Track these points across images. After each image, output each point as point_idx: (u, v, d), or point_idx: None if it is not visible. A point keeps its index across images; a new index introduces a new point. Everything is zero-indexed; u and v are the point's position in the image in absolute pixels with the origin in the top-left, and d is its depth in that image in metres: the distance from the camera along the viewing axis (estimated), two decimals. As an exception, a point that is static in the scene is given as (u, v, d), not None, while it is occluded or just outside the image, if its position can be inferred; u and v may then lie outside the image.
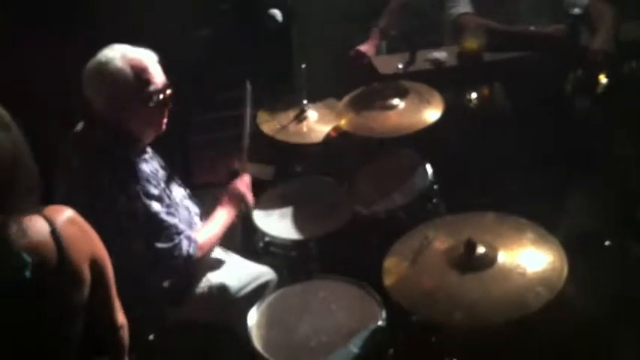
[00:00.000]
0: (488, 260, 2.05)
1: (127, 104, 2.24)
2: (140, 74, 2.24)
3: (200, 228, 2.45)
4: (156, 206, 2.24)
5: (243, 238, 2.74)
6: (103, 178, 2.20)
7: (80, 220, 1.57)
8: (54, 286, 1.47)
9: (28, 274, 1.40)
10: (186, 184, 2.62)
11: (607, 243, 2.87)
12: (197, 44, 3.59)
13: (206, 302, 2.46)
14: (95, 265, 1.57)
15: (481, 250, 2.07)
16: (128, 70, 2.22)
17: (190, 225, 2.45)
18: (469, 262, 2.05)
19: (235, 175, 2.67)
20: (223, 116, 3.73)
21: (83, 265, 1.53)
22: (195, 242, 2.32)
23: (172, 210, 2.32)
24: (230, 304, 2.47)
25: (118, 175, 2.22)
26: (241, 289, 2.50)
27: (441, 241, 2.19)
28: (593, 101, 3.32)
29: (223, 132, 3.65)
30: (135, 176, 2.24)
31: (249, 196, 2.64)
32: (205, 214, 2.56)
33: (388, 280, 2.10)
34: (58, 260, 1.46)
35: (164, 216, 2.26)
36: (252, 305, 2.37)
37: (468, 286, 2.00)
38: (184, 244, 2.28)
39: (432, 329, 2.17)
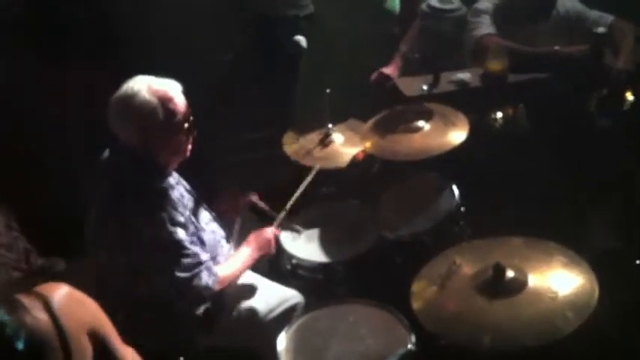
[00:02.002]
0: (518, 285, 2.05)
1: (154, 135, 2.27)
2: (167, 105, 2.27)
3: (224, 263, 2.46)
4: (180, 234, 2.26)
5: (270, 261, 2.75)
6: (129, 208, 2.24)
7: (76, 293, 1.56)
8: None
9: (21, 346, 1.37)
10: (211, 207, 2.65)
11: (638, 262, 2.86)
12: (221, 68, 3.64)
13: (235, 326, 2.48)
14: (95, 334, 1.55)
15: (510, 274, 2.08)
16: (155, 101, 2.25)
17: (216, 248, 2.48)
18: (498, 287, 2.05)
19: (264, 214, 2.71)
20: (253, 138, 3.81)
21: (82, 337, 1.51)
22: (216, 275, 2.34)
23: (196, 238, 2.35)
24: (259, 328, 2.48)
25: (145, 205, 2.25)
26: (270, 312, 2.51)
27: (469, 266, 2.19)
28: (615, 119, 3.32)
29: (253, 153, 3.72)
30: (161, 204, 2.26)
31: (273, 249, 2.62)
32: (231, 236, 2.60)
33: (417, 305, 2.11)
34: (56, 336, 1.44)
35: (187, 244, 2.27)
36: (280, 329, 2.38)
37: (496, 310, 2.00)
38: (204, 275, 2.29)
39: (461, 354, 2.16)
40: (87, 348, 1.50)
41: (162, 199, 2.28)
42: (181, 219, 2.29)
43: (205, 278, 2.29)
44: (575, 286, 2.03)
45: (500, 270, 2.06)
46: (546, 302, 1.99)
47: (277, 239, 2.69)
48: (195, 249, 2.30)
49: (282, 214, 2.72)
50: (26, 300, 1.43)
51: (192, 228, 2.34)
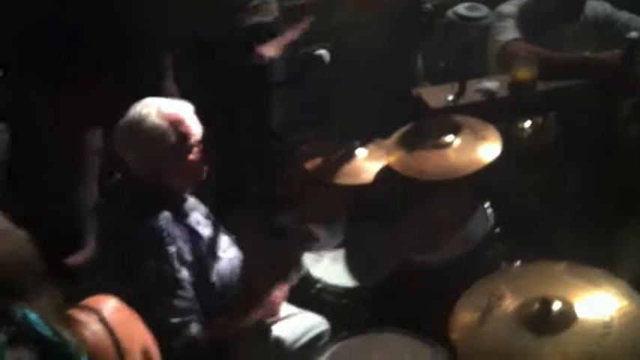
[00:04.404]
0: (567, 319, 1.91)
1: (167, 161, 2.16)
2: (178, 128, 2.16)
3: (221, 318, 2.26)
4: (184, 273, 2.14)
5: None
6: (139, 239, 2.12)
7: (125, 306, 1.48)
8: None
9: None
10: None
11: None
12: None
13: (261, 356, 2.37)
14: (146, 353, 1.47)
15: (557, 307, 1.94)
16: (165, 125, 2.13)
17: (233, 276, 2.36)
18: (545, 322, 1.92)
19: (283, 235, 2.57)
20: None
21: (136, 352, 1.43)
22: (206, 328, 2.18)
23: (199, 281, 2.21)
24: (285, 358, 2.37)
25: (155, 233, 2.12)
26: (296, 341, 2.39)
27: (510, 297, 2.06)
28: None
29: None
30: (171, 236, 2.14)
31: (278, 313, 2.42)
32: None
33: (458, 343, 1.97)
34: (115, 352, 1.36)
35: (187, 286, 2.14)
36: (306, 358, 2.28)
37: (544, 348, 1.86)
38: (193, 325, 2.13)
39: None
40: None
41: (173, 231, 2.15)
42: (189, 258, 2.16)
43: (193, 328, 2.13)
44: (630, 321, 1.89)
45: (547, 304, 1.93)
46: (598, 339, 1.85)
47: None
48: (193, 296, 2.15)
49: (295, 278, 2.55)
50: (81, 315, 1.35)
51: (197, 268, 2.19)
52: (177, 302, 2.11)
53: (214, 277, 2.28)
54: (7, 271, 1.21)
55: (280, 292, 2.44)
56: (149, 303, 2.04)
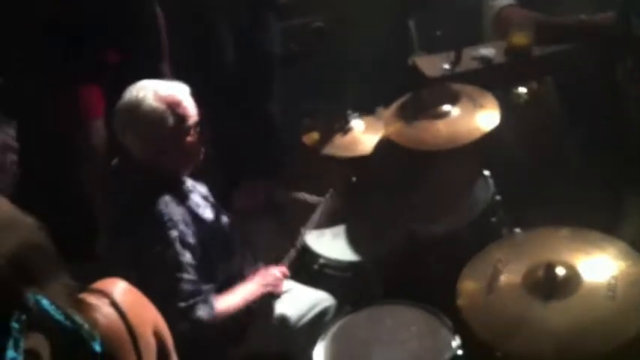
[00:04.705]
0: (573, 284, 1.91)
1: (165, 143, 2.14)
2: (176, 110, 2.14)
3: (224, 295, 2.26)
4: (187, 257, 2.12)
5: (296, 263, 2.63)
6: (142, 225, 2.11)
7: (134, 288, 1.46)
8: None
9: (98, 348, 1.29)
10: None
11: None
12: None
13: (267, 334, 2.36)
14: (158, 333, 1.45)
15: (562, 272, 1.94)
16: (163, 107, 2.11)
17: (232, 257, 2.35)
18: (551, 287, 1.92)
19: (282, 209, 2.56)
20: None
21: (148, 334, 1.42)
22: (212, 309, 2.16)
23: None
24: (291, 335, 2.37)
25: (157, 219, 2.11)
26: (301, 317, 2.39)
27: (515, 264, 2.05)
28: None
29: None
30: (173, 220, 2.12)
31: (280, 288, 2.44)
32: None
33: (466, 312, 1.97)
34: (127, 334, 1.36)
35: (191, 269, 2.13)
36: (312, 334, 2.28)
37: (553, 314, 1.87)
38: (199, 307, 2.12)
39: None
40: (153, 345, 1.42)
41: (174, 215, 2.13)
42: (192, 240, 2.15)
43: (201, 312, 2.12)
44: (633, 282, 1.89)
45: (552, 270, 1.93)
46: (605, 302, 1.86)
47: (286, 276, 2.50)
48: (196, 277, 2.14)
49: (293, 253, 2.57)
50: (91, 298, 1.33)
51: (199, 253, 2.17)
52: (182, 286, 2.10)
53: (216, 259, 2.27)
54: (19, 258, 1.19)
55: (282, 267, 2.46)
56: (155, 288, 2.07)
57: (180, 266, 2.11)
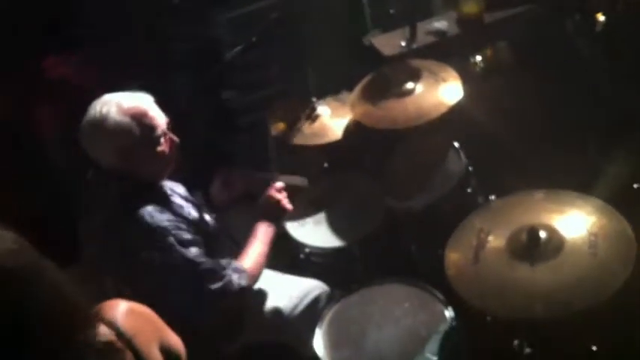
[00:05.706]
0: (556, 246, 1.99)
1: (136, 154, 2.12)
2: (142, 120, 2.11)
3: (243, 252, 2.29)
4: (193, 251, 2.13)
5: (283, 252, 2.65)
6: (131, 240, 2.09)
7: (135, 305, 1.44)
8: None
9: None
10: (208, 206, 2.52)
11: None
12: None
13: (262, 328, 2.39)
14: (164, 347, 1.44)
15: (544, 235, 2.02)
16: (128, 120, 2.09)
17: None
18: (535, 251, 1.99)
19: (261, 187, 2.54)
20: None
21: (155, 352, 1.40)
22: (244, 271, 2.19)
23: (209, 247, 2.22)
24: (286, 326, 2.40)
25: (146, 232, 2.09)
26: (294, 308, 2.42)
27: (497, 231, 2.12)
28: (592, 41, 3.25)
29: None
30: (163, 228, 2.11)
31: (286, 203, 2.42)
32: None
33: (455, 282, 2.03)
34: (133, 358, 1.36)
35: (203, 259, 2.14)
36: (307, 321, 2.32)
37: (539, 276, 1.94)
38: (234, 278, 2.15)
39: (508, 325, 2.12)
40: None
41: (162, 221, 2.11)
42: (188, 236, 2.15)
43: (236, 280, 2.15)
44: (612, 236, 1.98)
45: (534, 234, 2.00)
46: (588, 259, 1.94)
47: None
48: (213, 259, 2.16)
49: (273, 165, 2.57)
50: (95, 328, 1.30)
51: (200, 240, 2.19)
52: (205, 271, 2.11)
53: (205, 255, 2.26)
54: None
55: (274, 189, 2.41)
56: (180, 295, 2.10)
57: (191, 261, 2.11)
